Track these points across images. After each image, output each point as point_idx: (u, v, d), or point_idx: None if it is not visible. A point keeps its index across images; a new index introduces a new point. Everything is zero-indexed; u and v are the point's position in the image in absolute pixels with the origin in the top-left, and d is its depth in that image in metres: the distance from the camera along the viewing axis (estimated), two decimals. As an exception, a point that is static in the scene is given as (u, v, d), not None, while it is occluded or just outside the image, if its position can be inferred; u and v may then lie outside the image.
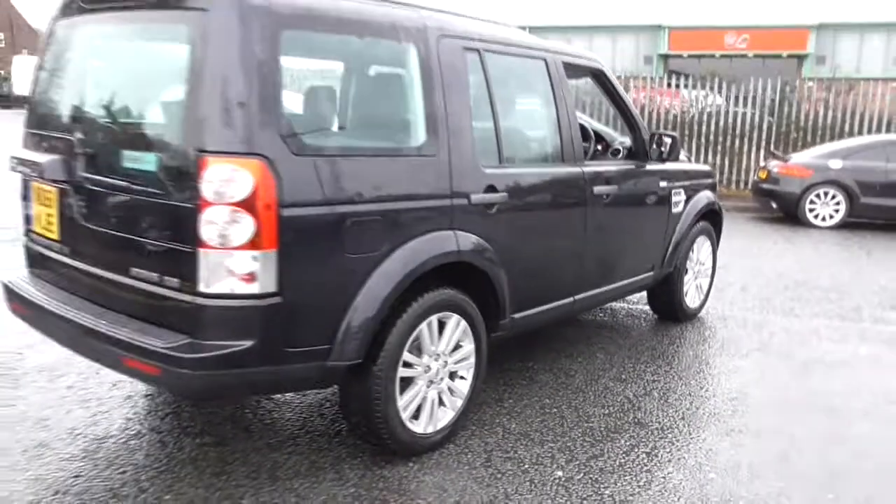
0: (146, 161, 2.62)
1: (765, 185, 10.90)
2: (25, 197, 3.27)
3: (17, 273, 3.41)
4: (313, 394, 3.75)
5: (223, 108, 2.45)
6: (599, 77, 4.34)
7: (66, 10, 3.09)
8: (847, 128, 13.31)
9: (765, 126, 13.66)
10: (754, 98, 13.74)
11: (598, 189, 4.03)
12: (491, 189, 3.32)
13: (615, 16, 31.77)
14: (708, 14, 30.80)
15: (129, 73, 2.95)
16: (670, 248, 4.92)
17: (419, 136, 3.04)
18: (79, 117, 2.95)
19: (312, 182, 2.63)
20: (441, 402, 3.24)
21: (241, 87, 2.46)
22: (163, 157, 2.59)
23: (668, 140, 4.63)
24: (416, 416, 3.12)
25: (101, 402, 3.61)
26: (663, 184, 4.71)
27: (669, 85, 14.37)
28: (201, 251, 2.50)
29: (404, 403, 3.04)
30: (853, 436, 3.59)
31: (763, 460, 3.29)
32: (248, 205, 2.46)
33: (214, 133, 2.46)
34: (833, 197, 10.28)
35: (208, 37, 2.46)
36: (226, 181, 2.45)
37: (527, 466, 3.15)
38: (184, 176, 2.51)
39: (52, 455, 3.07)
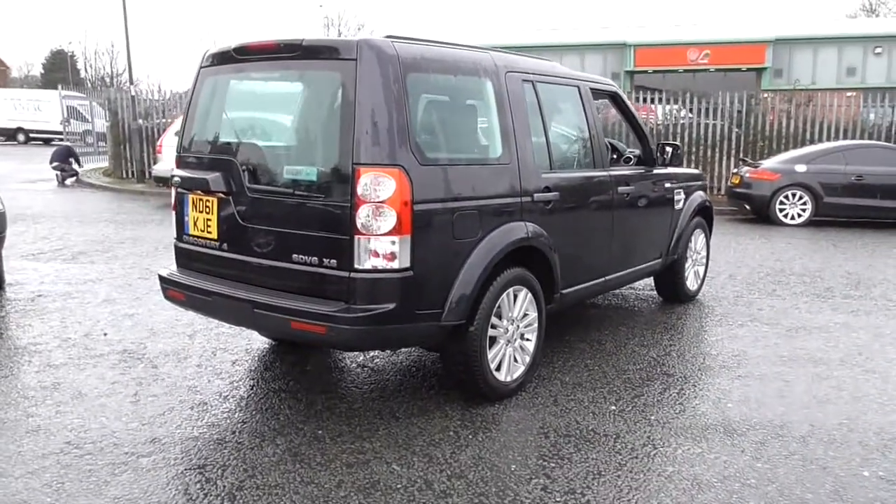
0: (307, 173, 3.49)
1: (738, 190, 12.00)
2: (180, 208, 4.09)
3: (166, 269, 4.24)
4: (405, 359, 4.61)
5: (373, 132, 3.34)
6: (615, 98, 5.31)
7: (217, 60, 3.95)
8: (808, 136, 14.51)
9: (733, 136, 14.82)
10: (723, 111, 14.90)
11: (621, 189, 4.98)
12: (547, 189, 4.23)
13: (583, 35, 33.18)
14: (671, 31, 32.37)
15: (285, 107, 3.83)
16: (674, 239, 5.88)
17: (497, 148, 3.96)
18: (239, 143, 3.82)
19: (432, 185, 3.52)
20: (515, 359, 4.12)
21: (384, 116, 3.35)
22: (322, 170, 3.47)
23: (669, 149, 5.59)
24: (498, 368, 3.99)
25: (230, 374, 4.43)
26: (668, 185, 5.68)
27: (643, 100, 15.47)
28: (356, 238, 3.37)
29: (491, 357, 3.92)
30: (833, 377, 4.54)
31: (766, 395, 4.22)
32: (391, 202, 3.34)
33: (366, 150, 3.34)
34: (800, 198, 11.41)
35: (359, 80, 3.35)
36: (375, 185, 3.33)
37: (587, 404, 4.04)
38: (341, 183, 3.39)
39: (215, 409, 3.89)
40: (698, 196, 6.22)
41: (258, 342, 5.01)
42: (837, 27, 33.49)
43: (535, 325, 4.23)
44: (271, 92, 3.93)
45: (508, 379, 4.06)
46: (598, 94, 5.07)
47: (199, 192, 3.93)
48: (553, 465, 3.33)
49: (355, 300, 3.42)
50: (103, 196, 15.23)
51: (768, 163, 12.12)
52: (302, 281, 3.56)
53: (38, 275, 7.12)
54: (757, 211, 11.77)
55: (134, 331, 5.28)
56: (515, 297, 4.05)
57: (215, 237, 3.89)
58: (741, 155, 14.45)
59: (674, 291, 6.24)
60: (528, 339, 4.21)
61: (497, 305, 3.90)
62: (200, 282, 3.90)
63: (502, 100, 4.01)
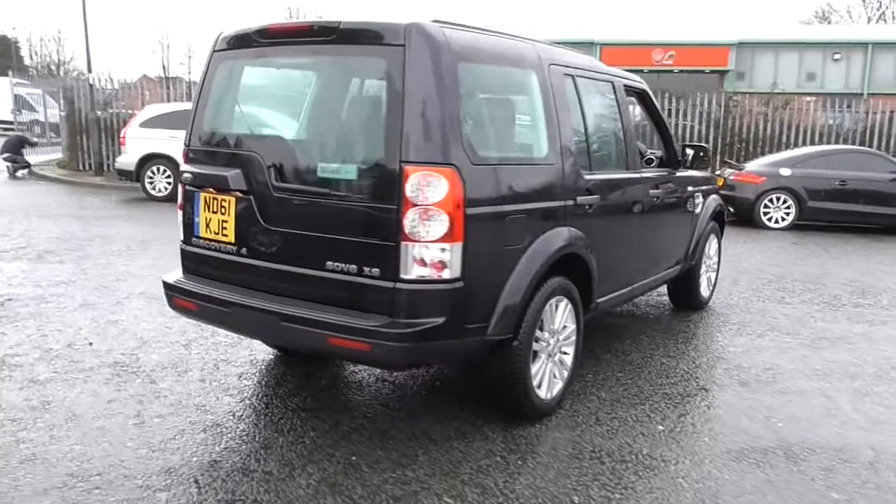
0: (345, 172, 3.12)
1: (722, 192, 11.87)
2: (188, 207, 3.68)
3: (171, 275, 3.83)
4: (424, 371, 4.27)
5: (424, 127, 3.00)
6: (643, 96, 5.04)
7: (235, 43, 3.55)
8: (784, 139, 14.57)
9: (710, 138, 14.80)
10: (701, 113, 14.87)
11: (651, 192, 4.72)
12: (588, 192, 3.94)
13: (549, 32, 33.05)
14: (636, 31, 32.51)
15: (317, 97, 3.44)
16: (692, 245, 5.65)
17: (544, 147, 3.65)
18: (263, 136, 3.43)
19: (484, 186, 3.19)
20: (554, 374, 3.82)
21: (436, 109, 3.01)
22: (364, 168, 3.11)
23: (690, 151, 5.35)
24: (539, 384, 3.69)
25: (239, 390, 4.03)
26: (690, 188, 5.44)
27: None
28: (403, 244, 3.02)
29: (533, 373, 3.61)
30: (875, 392, 4.36)
31: (814, 413, 4.00)
32: (443, 205, 3.01)
33: (417, 147, 2.99)
34: (784, 202, 11.38)
35: (408, 68, 3.00)
36: (426, 186, 2.99)
37: (632, 423, 3.76)
38: (386, 183, 3.03)
39: (231, 432, 3.50)
40: (713, 200, 6.01)
41: (261, 353, 4.62)
42: (798, 32, 34.10)
43: (574, 337, 3.94)
44: (301, 80, 3.54)
45: (549, 396, 3.76)
46: (628, 91, 4.80)
47: (212, 190, 3.53)
48: (618, 495, 3.04)
49: (400, 314, 3.07)
50: (60, 189, 14.49)
51: (752, 166, 12.07)
52: (337, 291, 3.20)
53: (2, 276, 6.57)
54: (739, 214, 11.71)
55: (121, 340, 4.83)
56: (556, 307, 3.75)
57: (232, 240, 3.49)
58: (719, 157, 14.44)
59: (688, 299, 6.02)
60: (566, 353, 3.91)
61: (540, 318, 3.59)
62: (215, 290, 3.50)
63: (547, 95, 3.70)
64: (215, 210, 3.54)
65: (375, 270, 3.09)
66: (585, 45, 32.56)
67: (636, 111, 5.22)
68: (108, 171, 15.63)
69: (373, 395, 4.05)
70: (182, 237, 3.78)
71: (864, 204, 11.25)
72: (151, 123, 12.40)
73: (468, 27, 3.36)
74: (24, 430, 3.45)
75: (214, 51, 3.63)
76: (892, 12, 47.01)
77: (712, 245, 6.14)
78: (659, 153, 5.41)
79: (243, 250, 3.46)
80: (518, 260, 3.41)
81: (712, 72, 31.38)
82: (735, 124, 14.76)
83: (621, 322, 5.70)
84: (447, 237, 3.03)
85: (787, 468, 3.34)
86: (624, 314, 5.97)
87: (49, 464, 3.14)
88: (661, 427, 3.74)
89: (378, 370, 4.34)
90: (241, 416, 3.69)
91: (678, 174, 5.28)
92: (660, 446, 3.51)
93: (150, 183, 12.42)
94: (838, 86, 30.45)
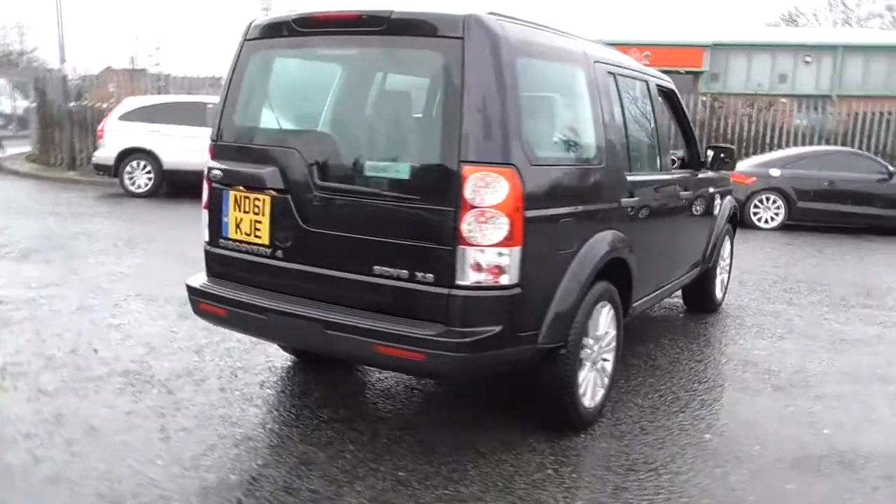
0: (396, 171, 2.94)
1: (711, 192, 11.91)
2: (215, 206, 3.46)
3: (195, 278, 3.61)
4: (451, 384, 4.11)
5: (484, 125, 2.83)
6: (671, 96, 4.93)
7: (270, 32, 3.34)
8: (768, 140, 14.65)
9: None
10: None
11: (681, 193, 4.61)
12: (630, 194, 3.80)
13: (525, 32, 32.88)
14: (613, 31, 32.59)
15: (365, 91, 3.24)
16: (710, 246, 5.56)
17: (592, 147, 3.50)
18: (304, 132, 3.22)
19: (540, 188, 3.04)
20: (596, 382, 3.68)
21: (497, 107, 2.85)
22: (417, 167, 2.92)
23: (712, 152, 5.26)
24: (583, 393, 3.55)
25: (265, 400, 3.82)
26: (711, 189, 5.35)
27: None
28: (461, 248, 2.85)
29: (579, 381, 3.47)
30: (910, 396, 4.30)
31: (856, 418, 3.92)
32: (503, 207, 2.84)
33: (477, 146, 2.82)
34: (774, 202, 11.41)
35: (467, 62, 2.83)
36: (486, 187, 2.82)
37: (677, 432, 3.64)
38: (443, 183, 2.86)
39: (264, 446, 3.30)
40: (729, 201, 5.93)
41: (278, 358, 4.41)
42: (771, 35, 34.51)
43: (614, 343, 3.80)
44: (345, 72, 3.34)
45: (592, 405, 3.62)
46: (659, 90, 4.67)
47: (242, 188, 3.31)
48: (684, 511, 2.91)
49: (455, 322, 2.90)
50: (32, 185, 14.02)
51: (742, 166, 12.06)
52: (385, 297, 3.02)
53: (-11, 276, 6.25)
54: (729, 214, 11.70)
55: (127, 346, 4.58)
56: (599, 313, 3.61)
57: (266, 242, 3.28)
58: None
59: (702, 301, 5.93)
60: (606, 360, 3.77)
61: (587, 324, 3.45)
62: (247, 296, 3.29)
63: (594, 93, 3.56)
64: (247, 210, 3.32)
65: (429, 276, 2.92)
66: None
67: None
68: (81, 165, 15.13)
69: (404, 403, 3.88)
70: (207, 238, 3.55)
71: (851, 204, 11.33)
72: (131, 116, 12.00)
73: (521, 20, 3.20)
74: (41, 447, 3.20)
75: (246, 40, 3.41)
76: (857, 17, 47.87)
77: (726, 247, 6.06)
78: (680, 153, 5.30)
79: (279, 253, 3.26)
80: (568, 265, 3.26)
81: (687, 72, 31.59)
82: (720, 125, 14.80)
83: (640, 325, 5.58)
84: (506, 241, 2.87)
85: (845, 476, 3.25)
86: (641, 317, 5.85)
87: (74, 484, 2.91)
88: (707, 436, 3.62)
89: (400, 377, 4.16)
90: (272, 428, 3.49)
91: (701, 175, 5.18)
92: (713, 456, 3.39)
93: (130, 178, 12.03)
94: (809, 87, 30.87)
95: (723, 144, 6.19)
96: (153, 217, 10.36)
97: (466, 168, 2.82)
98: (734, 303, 6.42)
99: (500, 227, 2.85)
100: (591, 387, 3.59)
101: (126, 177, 12.01)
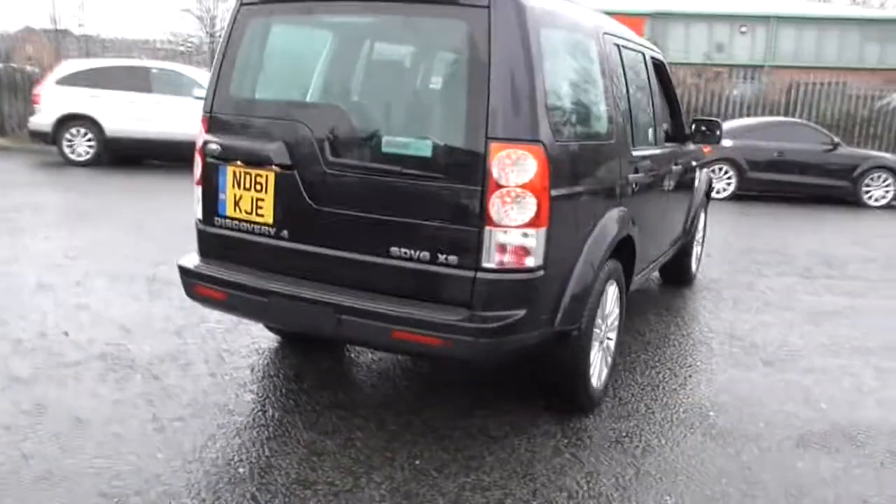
0: (417, 147, 2.78)
1: (665, 162, 12.04)
2: (210, 183, 3.24)
3: (186, 259, 3.40)
4: (444, 365, 4.00)
5: (512, 100, 2.69)
6: (661, 68, 4.85)
7: (270, -5, 3.11)
8: (714, 110, 14.88)
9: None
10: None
11: (673, 167, 4.57)
12: (635, 169, 3.73)
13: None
14: (556, -1, 32.46)
15: (381, 61, 3.05)
16: (691, 218, 5.57)
17: (604, 123, 3.40)
18: (313, 104, 3.02)
19: (563, 165, 2.93)
20: (602, 362, 3.63)
21: (525, 81, 2.71)
22: (440, 143, 2.77)
23: (702, 126, 5.22)
24: (591, 373, 3.49)
25: (259, 385, 3.65)
26: (693, 162, 5.34)
27: None
28: (487, 230, 2.73)
29: (591, 362, 3.41)
30: (893, 369, 4.40)
31: (847, 392, 3.99)
32: (531, 186, 2.72)
33: (505, 122, 2.69)
34: (726, 172, 11.61)
35: (494, 33, 2.67)
36: (514, 165, 2.70)
37: (682, 411, 3.63)
38: (468, 160, 2.72)
39: (268, 436, 3.14)
40: (706, 173, 5.95)
41: (264, 339, 4.22)
42: (708, 5, 34.98)
43: (617, 322, 3.76)
44: (358, 41, 3.13)
45: (599, 385, 3.57)
46: (652, 61, 4.60)
47: (240, 163, 3.10)
48: (708, 492, 2.89)
49: (480, 306, 2.78)
50: (-41, 151, 13.18)
51: (695, 136, 12.23)
52: (402, 280, 2.88)
53: (-68, 252, 5.82)
54: (683, 184, 11.87)
55: (100, 328, 4.31)
56: (607, 292, 3.54)
57: (270, 221, 3.09)
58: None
59: (679, 274, 5.96)
60: (610, 339, 3.73)
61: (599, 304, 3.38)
62: (249, 278, 3.10)
63: (604, 66, 3.45)
64: (247, 186, 3.12)
65: (452, 258, 2.79)
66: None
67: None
68: (13, 131, 14.29)
69: (405, 387, 3.76)
70: (200, 216, 3.33)
71: (799, 174, 11.63)
72: (70, 81, 11.32)
73: None
74: (26, 441, 2.98)
75: (242, 4, 3.16)
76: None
77: (701, 219, 6.10)
78: (665, 125, 5.26)
79: (283, 232, 3.07)
80: (584, 245, 3.18)
81: (629, 41, 31.81)
82: (670, 94, 14.93)
83: (621, 299, 5.57)
84: (533, 222, 2.75)
85: (853, 452, 3.29)
86: (619, 290, 5.85)
87: (72, 482, 2.70)
88: (712, 413, 3.62)
89: (385, 356, 4.03)
90: (273, 416, 3.33)
91: (686, 148, 5.16)
92: (721, 435, 3.39)
93: (70, 146, 11.39)
94: (744, 58, 31.51)
95: (707, 117, 6.18)
96: (100, 188, 9.87)
97: (494, 145, 2.68)
98: (706, 275, 6.49)
99: (528, 207, 2.73)
100: (598, 367, 3.54)
101: (65, 144, 11.38)
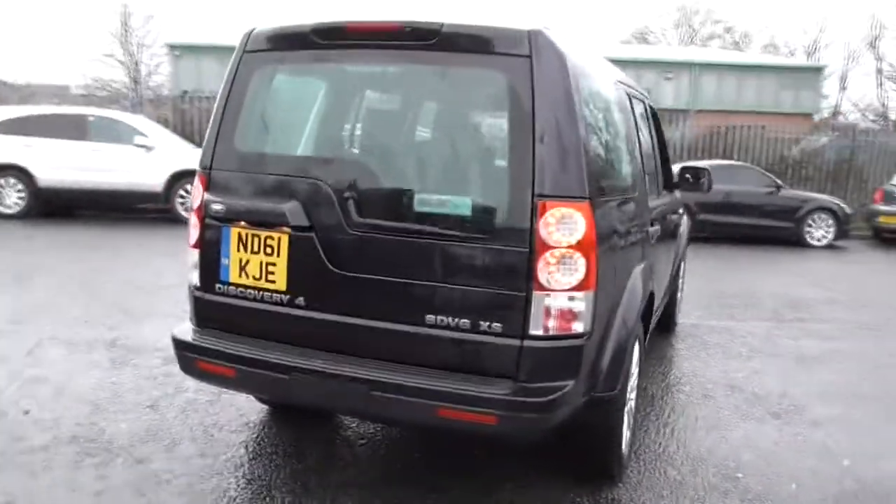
0: (456, 206, 2.56)
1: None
2: (210, 245, 2.93)
3: (181, 330, 3.06)
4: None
5: (560, 155, 2.52)
6: (655, 115, 4.80)
7: (280, 44, 2.86)
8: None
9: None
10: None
11: (671, 216, 4.48)
12: (652, 222, 3.61)
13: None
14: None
15: (411, 115, 2.82)
16: (675, 266, 5.50)
17: (629, 175, 3.27)
18: (331, 160, 2.78)
19: (605, 223, 2.76)
20: (628, 425, 3.44)
21: (570, 134, 2.54)
22: (481, 202, 2.56)
23: (689, 175, 5.16)
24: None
25: (260, 466, 3.30)
26: (681, 210, 5.29)
27: None
28: (536, 294, 2.52)
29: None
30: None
31: (864, 444, 3.90)
32: (580, 247, 2.54)
33: (553, 178, 2.50)
34: (676, 215, 11.77)
35: (538, 84, 2.50)
36: (564, 224, 2.51)
37: (711, 474, 3.45)
38: (515, 220, 2.52)
39: (284, 526, 2.81)
40: (686, 221, 5.92)
41: (252, 412, 3.87)
42: (636, 52, 36.28)
43: (636, 381, 3.58)
44: (384, 92, 2.90)
45: (627, 451, 3.38)
46: (650, 109, 4.53)
47: (243, 224, 2.82)
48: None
49: (526, 377, 2.56)
50: None
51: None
52: (440, 351, 2.63)
53: None
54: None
55: (65, 403, 3.88)
56: (633, 352, 3.37)
57: (283, 288, 2.80)
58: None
59: (666, 321, 5.86)
60: (632, 400, 3.54)
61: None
62: (263, 352, 2.79)
63: (624, 116, 3.33)
64: (255, 250, 2.83)
65: (496, 325, 2.56)
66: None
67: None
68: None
69: (419, 458, 3.47)
70: (197, 283, 3.01)
71: (747, 216, 11.89)
72: (1, 129, 10.67)
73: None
74: (3, 552, 2.56)
75: (246, 52, 2.90)
76: (700, 36, 51.12)
77: (683, 266, 6.05)
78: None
79: (299, 300, 2.78)
80: (619, 305, 3.00)
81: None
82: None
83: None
84: (581, 284, 2.56)
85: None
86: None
87: None
88: (740, 475, 3.46)
89: (378, 427, 3.74)
90: (284, 502, 2.99)
91: (676, 196, 5.11)
92: (759, 500, 3.23)
93: (-2, 197, 10.70)
94: (669, 102, 32.66)
95: (695, 164, 6.17)
96: (34, 243, 9.23)
97: (542, 203, 2.49)
98: (684, 320, 6.43)
99: (577, 269, 2.54)
100: (626, 431, 3.34)
101: (-7, 196, 10.66)
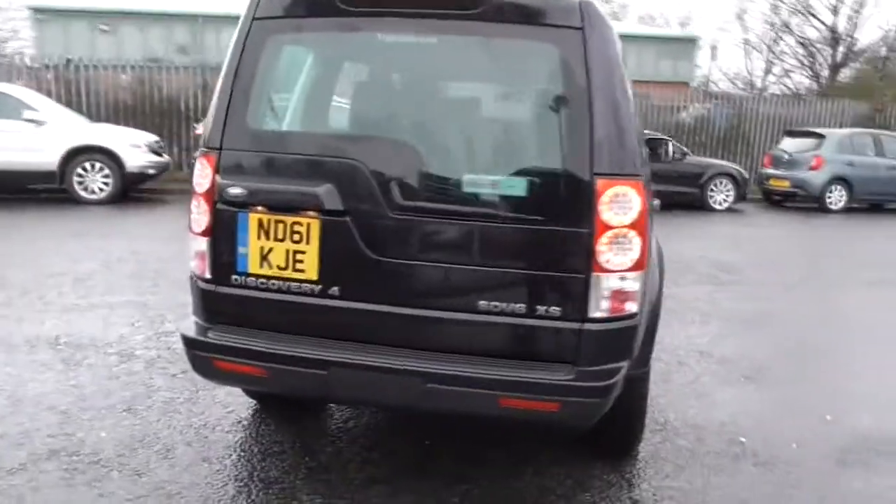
0: (509, 186, 2.44)
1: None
2: (223, 234, 2.67)
3: (188, 327, 2.79)
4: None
5: (616, 131, 2.44)
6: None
7: (300, 9, 2.61)
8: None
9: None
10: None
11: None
12: (655, 195, 3.60)
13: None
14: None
15: (457, 88, 2.63)
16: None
17: (643, 145, 3.22)
18: (366, 138, 2.57)
19: (647, 201, 2.70)
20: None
21: (623, 108, 2.47)
22: (536, 181, 2.45)
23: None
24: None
25: (270, 464, 3.09)
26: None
27: None
28: (595, 276, 2.45)
29: (645, 402, 3.22)
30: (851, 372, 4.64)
31: (834, 398, 4.12)
32: (635, 226, 2.48)
33: (611, 155, 2.42)
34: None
35: (591, 57, 2.40)
36: (621, 204, 2.44)
37: (720, 445, 3.54)
38: (573, 200, 2.43)
39: (324, 532, 2.64)
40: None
41: (238, 406, 3.64)
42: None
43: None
44: (422, 64, 2.68)
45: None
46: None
47: (269, 210, 2.58)
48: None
49: (586, 361, 2.49)
50: None
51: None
52: (495, 337, 2.52)
53: None
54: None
55: (28, 414, 3.49)
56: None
57: (314, 277, 2.59)
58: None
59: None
60: (644, 374, 3.56)
61: (651, 341, 3.20)
62: (294, 347, 2.57)
63: (632, 90, 3.27)
64: (280, 237, 2.60)
65: (554, 309, 2.47)
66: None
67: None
68: None
69: (431, 450, 3.35)
70: (208, 274, 2.73)
71: (656, 183, 12.26)
72: None
73: None
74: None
75: (255, 18, 2.63)
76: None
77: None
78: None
79: (333, 290, 2.59)
80: (648, 281, 2.97)
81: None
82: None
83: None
84: (636, 265, 2.51)
85: (889, 467, 3.35)
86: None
87: None
88: (743, 440, 3.57)
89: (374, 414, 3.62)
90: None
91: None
92: (769, 463, 3.33)
93: None
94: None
95: (654, 134, 6.24)
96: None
97: (601, 181, 2.41)
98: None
99: (633, 249, 2.48)
100: (643, 407, 3.35)
101: None
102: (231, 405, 3.65)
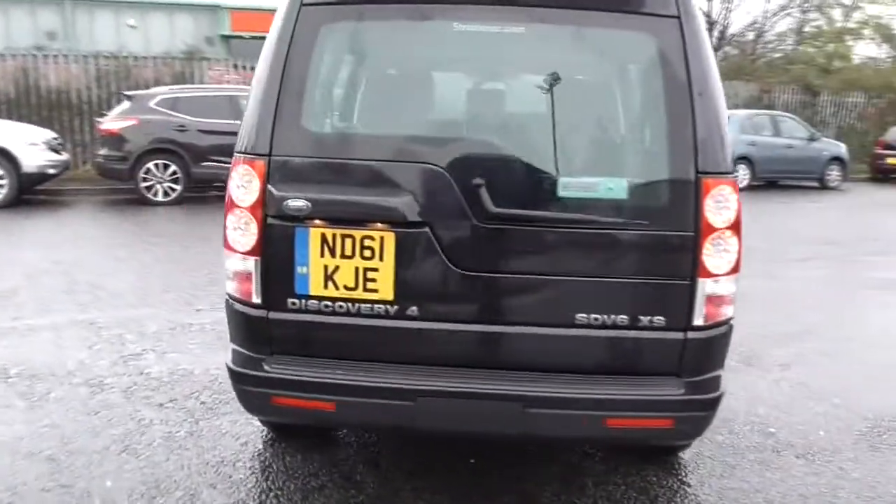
0: (609, 188, 2.25)
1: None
2: (278, 251, 2.35)
3: (233, 360, 2.45)
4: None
5: (717, 127, 2.30)
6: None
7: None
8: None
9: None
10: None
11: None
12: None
13: (170, -7, 29.67)
14: (267, -3, 31.12)
15: (546, 83, 2.38)
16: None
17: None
18: (448, 140, 2.31)
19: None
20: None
21: (720, 104, 2.33)
22: (637, 182, 2.27)
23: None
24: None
25: (310, 495, 2.79)
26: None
27: (244, 67, 14.65)
28: (700, 281, 2.31)
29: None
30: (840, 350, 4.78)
31: (839, 380, 4.21)
32: (733, 227, 2.36)
33: (713, 153, 2.29)
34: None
35: (690, 49, 2.25)
36: (722, 204, 2.31)
37: (753, 437, 3.52)
38: (677, 201, 2.28)
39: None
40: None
41: (250, 436, 3.29)
42: None
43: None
44: (508, 56, 2.41)
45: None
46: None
47: (333, 223, 2.28)
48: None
49: (689, 372, 2.36)
50: None
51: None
52: (595, 353, 2.34)
53: None
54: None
55: (11, 465, 3.01)
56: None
57: (389, 298, 2.32)
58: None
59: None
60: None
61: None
62: (374, 376, 2.29)
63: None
64: (348, 254, 2.30)
65: (658, 319, 2.31)
66: (211, 10, 30.22)
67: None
68: None
69: (467, 469, 3.14)
70: (257, 298, 2.39)
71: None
72: None
73: None
74: None
75: (304, 4, 2.30)
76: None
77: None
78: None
79: (412, 310, 2.32)
80: None
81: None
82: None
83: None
84: (734, 267, 2.39)
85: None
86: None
87: None
88: (773, 430, 3.56)
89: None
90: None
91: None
92: (808, 455, 3.33)
93: None
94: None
95: None
96: None
97: (707, 181, 2.26)
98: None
99: (730, 251, 2.36)
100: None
101: None
102: (240, 435, 3.30)
